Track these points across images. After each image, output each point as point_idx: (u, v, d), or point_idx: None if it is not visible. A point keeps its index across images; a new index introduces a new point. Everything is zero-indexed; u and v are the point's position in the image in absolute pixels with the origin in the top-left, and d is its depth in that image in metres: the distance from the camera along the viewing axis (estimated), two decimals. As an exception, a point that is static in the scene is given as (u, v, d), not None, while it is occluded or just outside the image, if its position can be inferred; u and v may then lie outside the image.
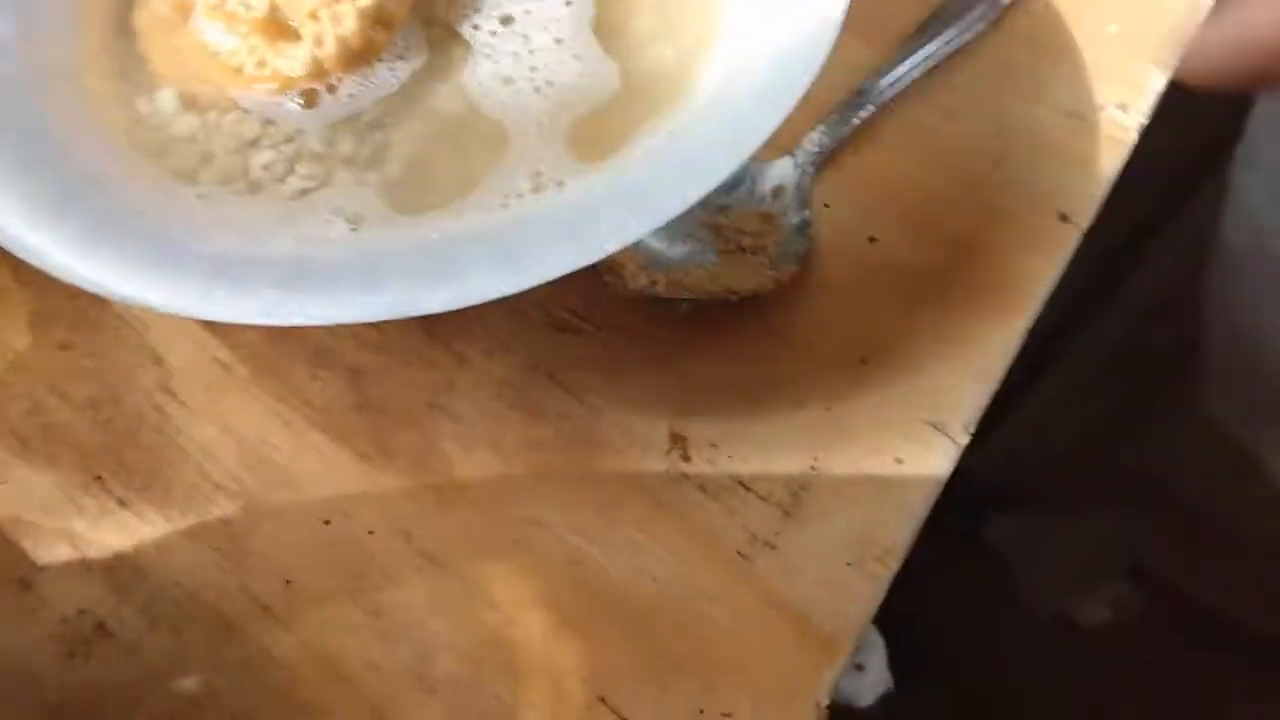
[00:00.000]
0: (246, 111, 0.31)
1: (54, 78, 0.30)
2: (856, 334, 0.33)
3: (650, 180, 0.28)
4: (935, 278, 0.34)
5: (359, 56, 0.31)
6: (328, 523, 0.30)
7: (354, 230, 0.28)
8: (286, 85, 0.31)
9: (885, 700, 0.60)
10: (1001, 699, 0.63)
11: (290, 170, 0.30)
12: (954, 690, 0.63)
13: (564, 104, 0.32)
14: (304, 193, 0.30)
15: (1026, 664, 0.64)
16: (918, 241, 0.35)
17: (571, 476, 0.30)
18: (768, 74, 0.30)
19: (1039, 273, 0.34)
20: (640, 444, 0.31)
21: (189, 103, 0.31)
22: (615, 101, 0.33)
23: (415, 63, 0.32)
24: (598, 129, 0.32)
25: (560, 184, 0.30)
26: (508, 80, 0.32)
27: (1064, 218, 0.35)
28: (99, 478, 0.30)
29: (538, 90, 0.33)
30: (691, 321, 0.33)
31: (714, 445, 0.31)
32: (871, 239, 0.35)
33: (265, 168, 0.30)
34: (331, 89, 0.31)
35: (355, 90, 0.32)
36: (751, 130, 0.28)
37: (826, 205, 0.35)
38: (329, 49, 0.31)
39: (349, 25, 0.31)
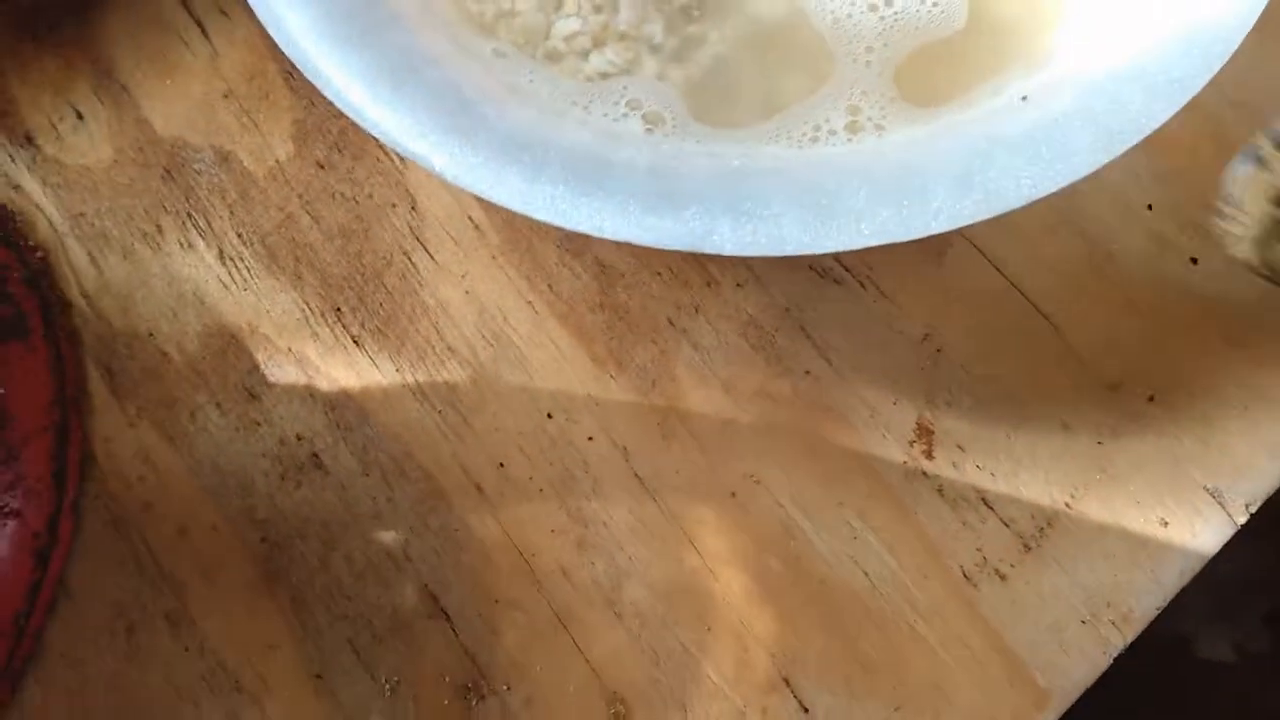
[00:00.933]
0: None
1: None
2: (1151, 367, 0.29)
3: (996, 152, 0.24)
4: (1255, 324, 0.30)
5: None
6: (550, 416, 0.29)
7: (649, 131, 0.26)
8: None
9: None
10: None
11: (592, 48, 0.28)
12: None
13: (902, 31, 0.29)
14: (604, 76, 0.27)
15: (1131, 676, 0.61)
16: (1244, 274, 0.30)
17: (802, 440, 0.28)
18: (1156, 57, 0.25)
19: (1376, 348, 0.29)
20: (883, 425, 0.28)
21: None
22: (956, 42, 0.29)
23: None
24: (930, 69, 0.28)
25: (880, 128, 0.27)
26: (849, -10, 0.29)
27: None
28: (338, 309, 0.30)
29: (874, 8, 0.29)
30: (966, 309, 0.30)
31: (962, 449, 0.28)
32: (1193, 260, 0.31)
33: (567, 39, 0.28)
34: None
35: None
36: (1131, 121, 0.24)
37: (1150, 207, 0.31)
38: None
39: None
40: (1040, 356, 0.29)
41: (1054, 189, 0.23)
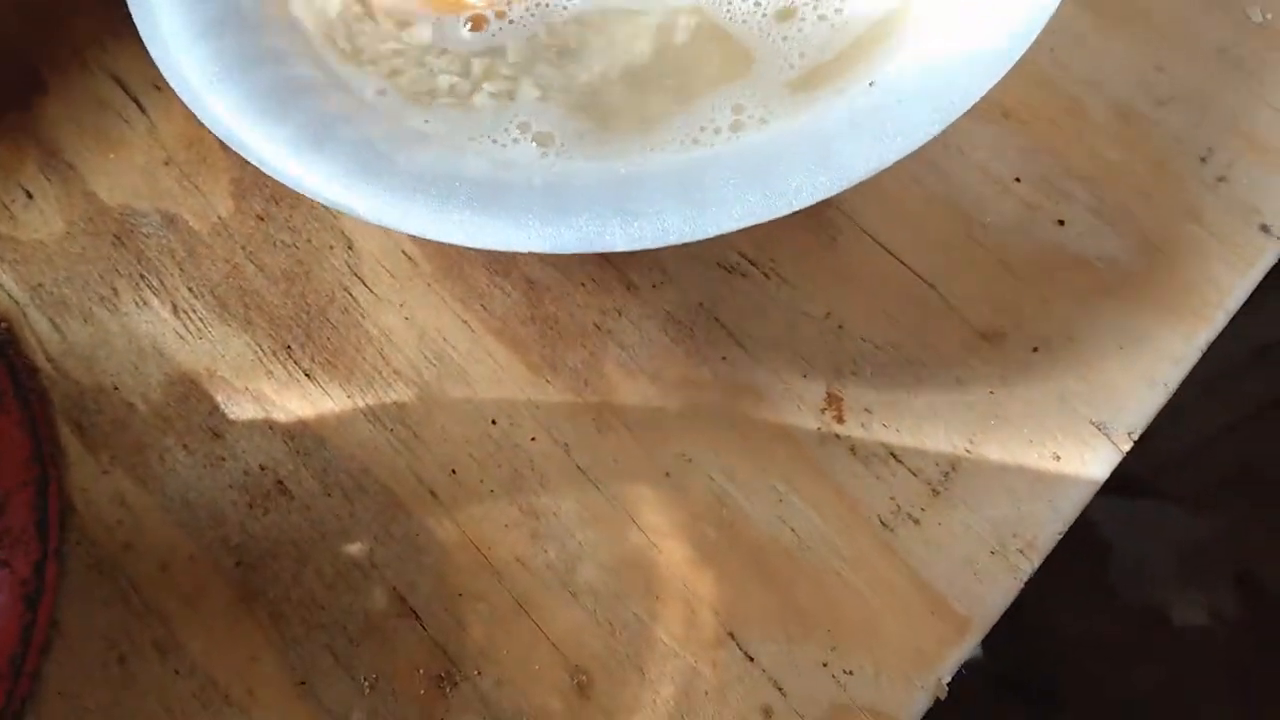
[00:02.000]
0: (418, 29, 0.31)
1: None
2: (1031, 319, 0.32)
3: (846, 132, 0.27)
4: (1121, 272, 0.33)
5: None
6: (494, 423, 0.31)
7: (543, 154, 0.29)
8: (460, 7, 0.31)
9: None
10: (1075, 677, 0.64)
11: (476, 88, 0.30)
12: (1031, 661, 0.64)
13: (800, 46, 0.32)
14: (493, 103, 0.30)
15: (1109, 648, 0.64)
16: (1109, 230, 0.34)
17: (725, 419, 0.31)
18: (979, 32, 0.29)
19: (1230, 285, 0.33)
20: (796, 398, 0.31)
21: (366, 8, 0.31)
22: (835, 45, 0.32)
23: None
24: (812, 72, 0.31)
25: (764, 121, 0.30)
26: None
27: (1265, 229, 0.33)
28: (288, 347, 0.32)
29: (783, 24, 0.32)
30: (862, 288, 0.33)
31: (869, 411, 0.31)
32: (1060, 222, 0.34)
33: (451, 88, 0.31)
34: (501, 14, 0.31)
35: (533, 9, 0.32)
36: (961, 93, 0.27)
37: (1017, 179, 0.34)
38: None
39: None
40: (931, 323, 0.32)
41: (895, 159, 0.26)
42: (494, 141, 0.29)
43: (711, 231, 0.25)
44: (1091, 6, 0.37)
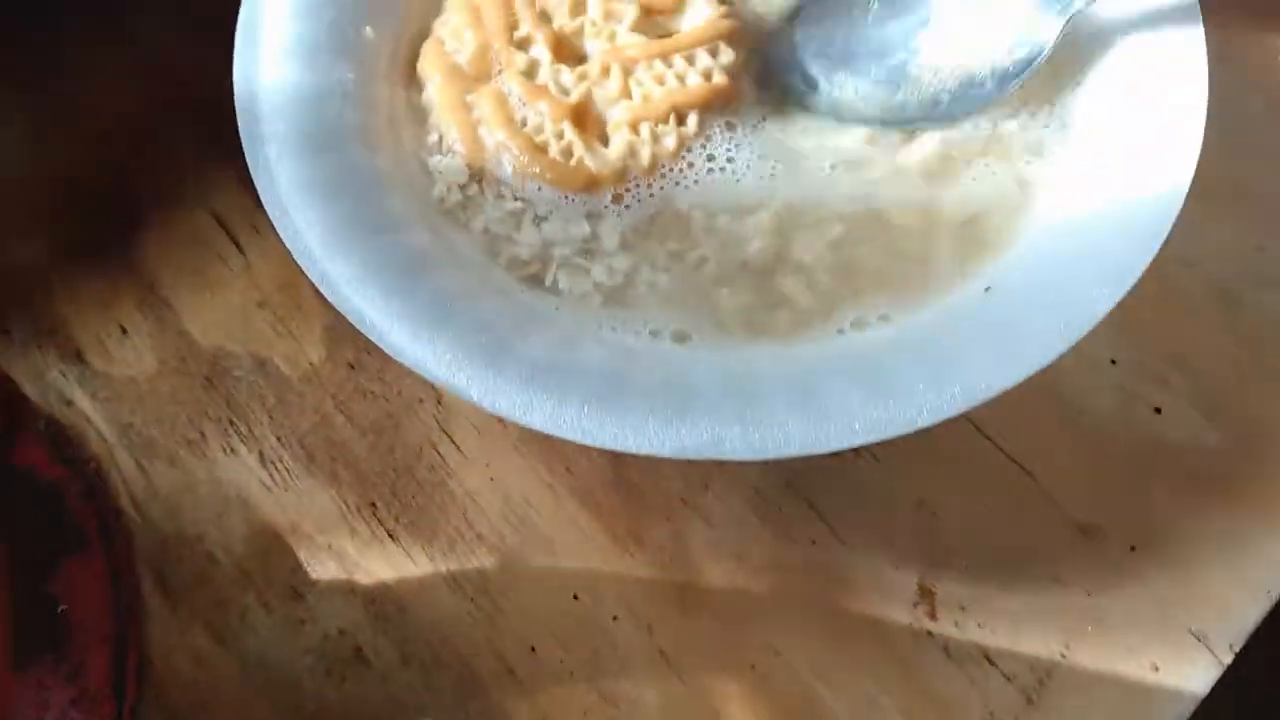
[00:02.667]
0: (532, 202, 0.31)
1: (374, 133, 0.31)
2: (1129, 514, 0.32)
3: (968, 347, 0.27)
4: (1220, 468, 0.33)
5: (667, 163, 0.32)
6: (576, 597, 0.31)
7: (662, 343, 0.29)
8: (588, 184, 0.31)
9: None
10: None
11: (594, 271, 0.30)
12: None
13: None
14: (611, 288, 0.30)
15: None
16: (1206, 422, 0.33)
17: (814, 608, 0.30)
18: (1101, 244, 0.28)
19: (1338, 481, 0.32)
20: (886, 589, 0.31)
21: (476, 175, 0.32)
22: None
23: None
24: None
25: (886, 319, 0.29)
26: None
27: (1373, 423, 0.33)
28: (373, 504, 0.32)
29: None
30: (955, 471, 0.32)
31: (963, 608, 0.30)
32: (1157, 409, 0.33)
33: (568, 270, 0.30)
34: (618, 198, 0.31)
35: (656, 191, 0.32)
36: (1084, 310, 0.27)
37: (1113, 361, 0.34)
38: (642, 162, 0.31)
39: (668, 145, 0.31)
40: (1026, 513, 0.32)
41: (1020, 379, 0.26)
42: (613, 330, 0.29)
43: (834, 446, 0.25)
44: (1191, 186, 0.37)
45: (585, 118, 0.32)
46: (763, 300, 0.30)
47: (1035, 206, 0.30)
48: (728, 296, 0.29)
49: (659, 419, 0.25)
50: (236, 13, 0.32)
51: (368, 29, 0.32)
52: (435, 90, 0.32)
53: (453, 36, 0.32)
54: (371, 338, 0.26)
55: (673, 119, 0.32)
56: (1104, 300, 0.26)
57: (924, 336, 0.28)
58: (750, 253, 0.30)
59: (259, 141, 0.28)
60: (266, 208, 0.28)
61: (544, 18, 0.33)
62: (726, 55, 0.33)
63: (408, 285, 0.27)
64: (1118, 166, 0.29)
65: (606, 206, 0.31)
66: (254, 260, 0.36)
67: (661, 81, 0.32)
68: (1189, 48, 0.31)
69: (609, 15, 0.33)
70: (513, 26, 0.32)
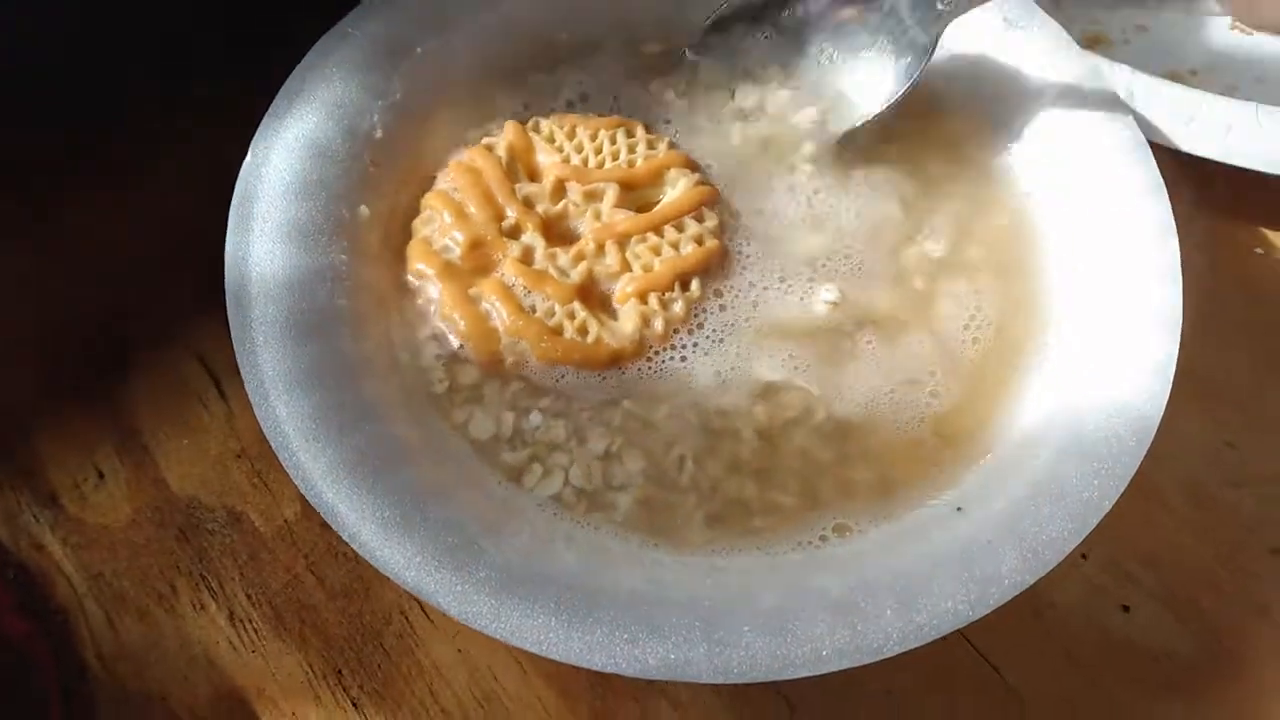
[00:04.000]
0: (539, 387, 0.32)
1: (362, 318, 0.31)
2: (1096, 717, 0.32)
3: (935, 574, 0.27)
4: (1187, 671, 0.33)
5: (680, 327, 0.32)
6: (538, 783, 0.31)
7: (633, 542, 0.29)
8: (611, 359, 0.32)
9: None
10: None
11: (571, 461, 0.31)
12: None
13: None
14: (589, 479, 0.30)
15: None
16: (1175, 623, 0.33)
17: (778, 803, 0.30)
18: (1072, 477, 0.28)
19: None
20: (851, 785, 0.31)
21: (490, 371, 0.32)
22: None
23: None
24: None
25: (863, 532, 0.30)
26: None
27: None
28: (339, 671, 0.32)
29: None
30: (930, 678, 0.32)
31: (926, 809, 0.30)
32: (1125, 608, 0.33)
33: (545, 459, 0.31)
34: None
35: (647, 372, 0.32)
36: (1052, 542, 0.27)
37: (1084, 556, 0.34)
38: (657, 329, 0.31)
39: (677, 310, 0.32)
40: (992, 712, 0.32)
41: (987, 611, 0.26)
42: (588, 526, 0.29)
43: (800, 673, 0.25)
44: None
45: (591, 296, 0.32)
46: (753, 503, 0.30)
47: (1011, 422, 0.31)
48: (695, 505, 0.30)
49: (625, 638, 0.25)
50: (239, 167, 0.32)
51: (362, 208, 0.32)
52: (438, 289, 0.32)
53: (440, 235, 0.33)
54: (344, 537, 0.26)
55: (677, 285, 0.33)
56: (1069, 536, 0.27)
57: (893, 554, 0.28)
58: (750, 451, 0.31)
59: (246, 328, 0.29)
60: (249, 395, 0.28)
61: (529, 204, 0.33)
62: (711, 219, 0.34)
63: (382, 480, 0.27)
64: (1091, 385, 0.30)
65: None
66: (235, 408, 0.36)
67: (658, 252, 0.33)
68: (1163, 256, 0.32)
69: (590, 195, 0.34)
70: (499, 217, 0.33)
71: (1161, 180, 0.34)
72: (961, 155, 0.37)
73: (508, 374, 0.31)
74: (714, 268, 0.34)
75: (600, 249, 0.33)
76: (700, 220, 0.34)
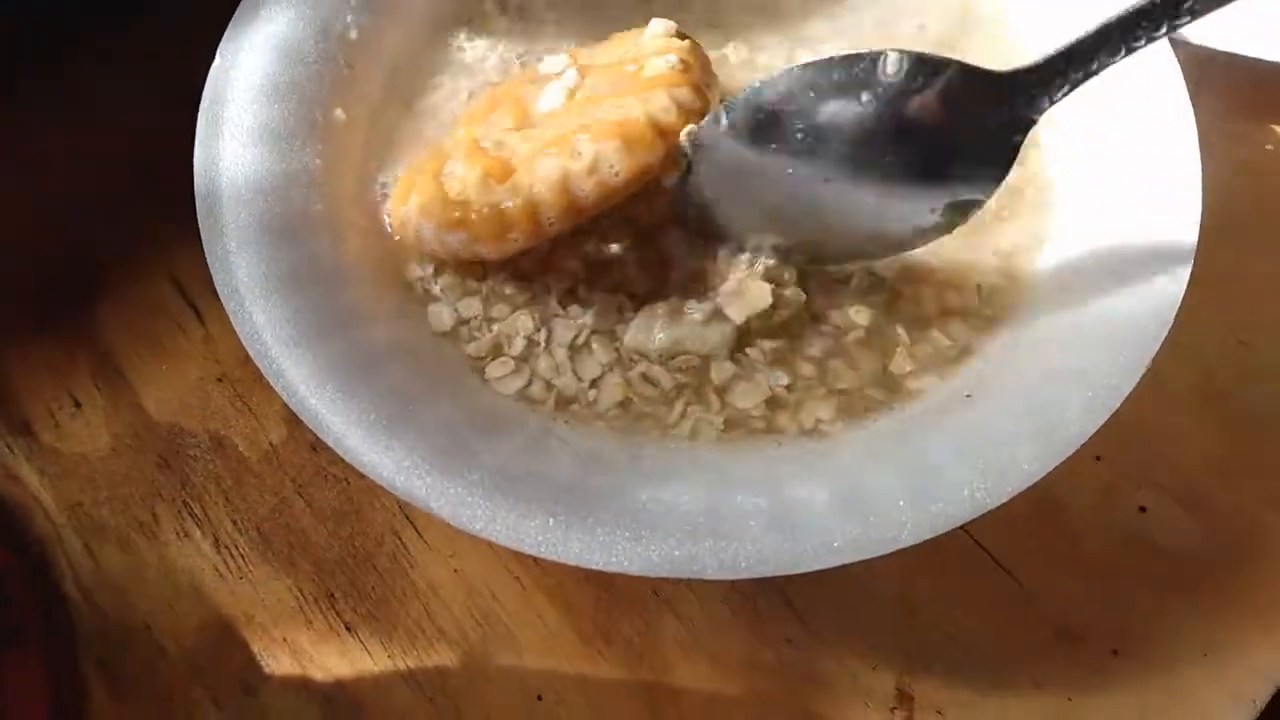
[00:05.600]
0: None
1: (339, 222, 0.30)
2: (1111, 617, 0.31)
3: (948, 466, 0.26)
4: (1207, 570, 0.32)
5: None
6: (540, 698, 0.30)
7: (630, 445, 0.28)
8: (499, 226, 0.28)
9: None
10: None
11: (556, 354, 0.30)
12: None
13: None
14: (580, 365, 0.29)
15: None
16: (1191, 521, 0.32)
17: (789, 713, 0.29)
18: (1088, 362, 0.27)
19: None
20: (864, 692, 0.30)
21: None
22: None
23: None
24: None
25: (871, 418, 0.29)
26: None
27: (1359, 521, 0.32)
28: (331, 595, 0.31)
29: None
30: (934, 566, 0.31)
31: (940, 713, 0.29)
32: (1142, 508, 0.32)
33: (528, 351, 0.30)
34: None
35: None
36: (1065, 434, 0.26)
37: (1097, 458, 0.33)
38: (541, 188, 0.28)
39: (578, 165, 0.28)
40: (1007, 614, 0.31)
41: (1002, 500, 0.25)
42: (579, 424, 0.28)
43: (812, 566, 0.24)
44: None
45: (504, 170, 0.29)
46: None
47: (1019, 309, 0.30)
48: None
49: (628, 536, 0.24)
50: (205, 79, 0.31)
51: (338, 111, 0.31)
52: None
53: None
54: (328, 442, 0.25)
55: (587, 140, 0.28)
56: (1086, 423, 0.26)
57: (904, 444, 0.27)
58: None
59: (218, 232, 0.27)
60: (223, 300, 0.27)
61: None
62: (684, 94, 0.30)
63: (367, 384, 0.26)
64: (1108, 273, 0.29)
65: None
66: (214, 331, 0.34)
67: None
68: (1179, 145, 0.31)
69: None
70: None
71: (1180, 71, 0.33)
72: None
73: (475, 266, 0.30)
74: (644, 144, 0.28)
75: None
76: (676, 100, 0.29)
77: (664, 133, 0.28)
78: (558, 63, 0.31)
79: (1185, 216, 0.29)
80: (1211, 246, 0.30)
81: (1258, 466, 0.33)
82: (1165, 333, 0.28)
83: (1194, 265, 0.30)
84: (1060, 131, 0.33)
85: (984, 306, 0.30)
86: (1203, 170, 0.31)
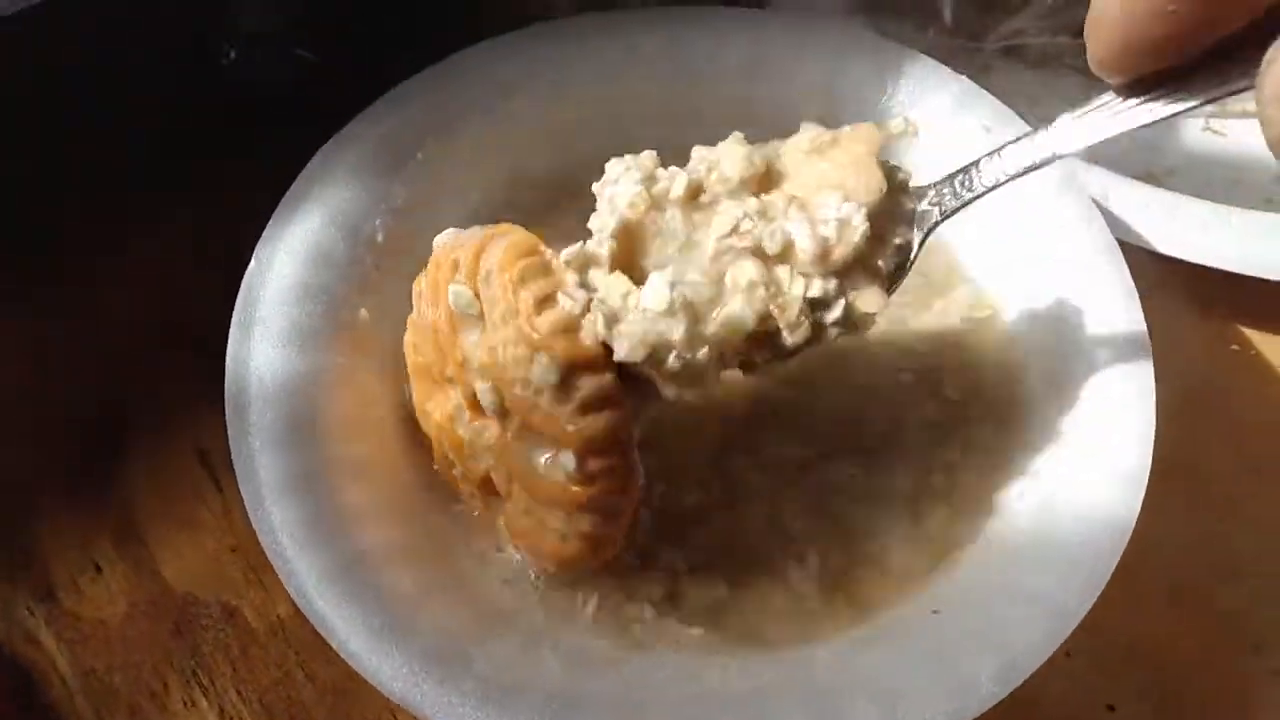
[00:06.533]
0: None
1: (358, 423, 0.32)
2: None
3: (914, 681, 0.27)
4: (1172, 772, 0.33)
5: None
6: None
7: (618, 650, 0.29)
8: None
9: None
10: None
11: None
12: None
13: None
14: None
15: None
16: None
17: None
18: (1048, 581, 0.29)
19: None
20: None
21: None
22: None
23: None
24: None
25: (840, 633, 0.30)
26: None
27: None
28: (325, 776, 0.32)
29: None
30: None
31: None
32: (1110, 708, 0.34)
33: None
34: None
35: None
36: (1028, 650, 0.28)
37: (1068, 654, 0.34)
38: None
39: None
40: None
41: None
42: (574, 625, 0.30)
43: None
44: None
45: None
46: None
47: (986, 523, 0.32)
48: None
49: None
50: (247, 252, 0.33)
51: (362, 311, 0.33)
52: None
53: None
54: (333, 645, 0.27)
55: None
56: (1048, 641, 0.27)
57: (871, 661, 0.29)
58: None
59: (244, 432, 0.30)
60: (244, 499, 0.29)
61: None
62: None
63: (371, 587, 0.28)
64: (1067, 489, 0.31)
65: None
66: (232, 502, 0.36)
67: None
68: (1131, 343, 0.33)
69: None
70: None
71: (1133, 283, 0.35)
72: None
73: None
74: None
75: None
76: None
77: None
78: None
79: (1139, 435, 0.31)
80: (1178, 447, 0.32)
81: (1228, 669, 0.34)
82: (1119, 553, 0.29)
83: (1162, 464, 0.32)
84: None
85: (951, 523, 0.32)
86: (1166, 372, 0.33)
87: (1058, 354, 0.34)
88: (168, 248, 0.41)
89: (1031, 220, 0.36)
